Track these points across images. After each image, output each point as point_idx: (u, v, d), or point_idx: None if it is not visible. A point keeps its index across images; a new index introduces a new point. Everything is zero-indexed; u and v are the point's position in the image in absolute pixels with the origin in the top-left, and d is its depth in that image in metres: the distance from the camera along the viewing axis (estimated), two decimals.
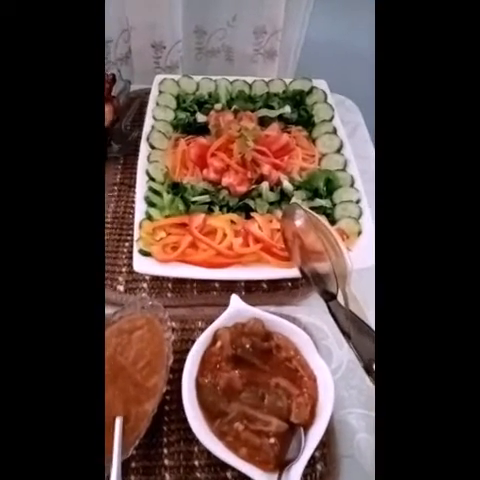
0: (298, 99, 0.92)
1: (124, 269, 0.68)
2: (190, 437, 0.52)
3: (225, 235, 0.67)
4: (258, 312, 0.58)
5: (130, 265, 0.66)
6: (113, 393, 0.51)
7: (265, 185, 0.75)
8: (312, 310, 0.65)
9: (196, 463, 0.52)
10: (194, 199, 0.71)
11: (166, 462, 0.52)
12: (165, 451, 0.52)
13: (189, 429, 0.49)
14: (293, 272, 0.65)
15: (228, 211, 0.72)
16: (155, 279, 0.67)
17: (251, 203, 0.72)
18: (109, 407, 0.50)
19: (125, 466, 0.49)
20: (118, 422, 0.49)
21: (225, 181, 0.74)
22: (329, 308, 0.56)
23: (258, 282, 0.68)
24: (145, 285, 0.67)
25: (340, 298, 0.56)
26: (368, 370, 0.51)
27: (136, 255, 0.64)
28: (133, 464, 0.51)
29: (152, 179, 0.74)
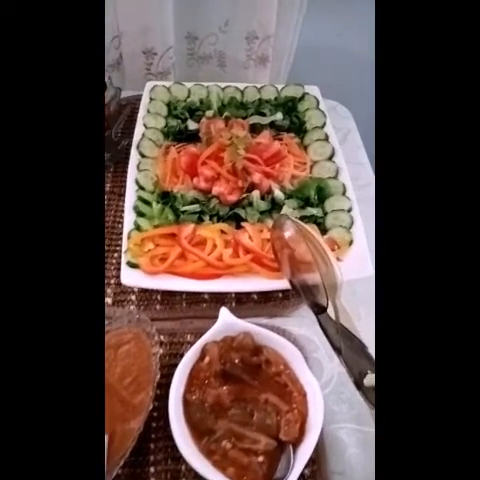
0: (290, 105, 0.92)
1: (112, 281, 0.67)
2: (177, 455, 0.50)
3: (215, 246, 0.66)
4: (247, 325, 0.57)
5: (118, 277, 0.65)
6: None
7: (256, 194, 0.74)
8: (303, 321, 0.64)
9: None
10: (184, 208, 0.70)
11: None
12: (152, 470, 0.51)
13: (177, 447, 0.48)
14: (284, 283, 0.64)
15: (218, 220, 0.71)
16: (144, 291, 0.66)
17: (242, 212, 0.71)
18: None
19: None
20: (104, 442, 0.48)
21: (216, 190, 0.73)
22: (319, 321, 0.55)
23: (249, 293, 0.67)
24: (133, 297, 0.66)
25: (330, 311, 0.55)
26: (358, 385, 0.50)
27: (124, 267, 0.63)
28: None
29: (142, 188, 0.73)
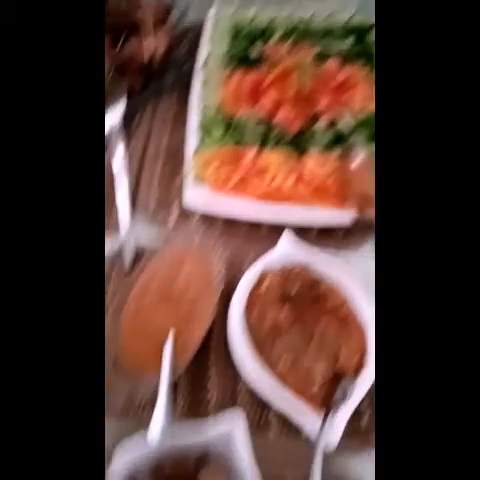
0: (360, 34, 0.86)
1: (175, 204, 0.68)
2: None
3: (277, 174, 0.65)
4: (308, 253, 0.56)
5: (181, 200, 0.66)
6: (165, 312, 0.53)
7: (321, 122, 0.71)
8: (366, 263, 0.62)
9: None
10: (246, 134, 0.69)
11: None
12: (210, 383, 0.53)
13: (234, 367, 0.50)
14: (347, 217, 0.62)
15: (281, 149, 0.69)
16: (205, 214, 0.66)
17: (306, 141, 0.69)
18: (160, 325, 0.51)
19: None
20: (171, 335, 0.49)
21: (279, 117, 0.71)
22: None
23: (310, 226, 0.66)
24: (195, 221, 0.66)
25: None
26: None
27: (187, 189, 0.63)
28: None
29: (205, 113, 0.72)
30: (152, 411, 0.45)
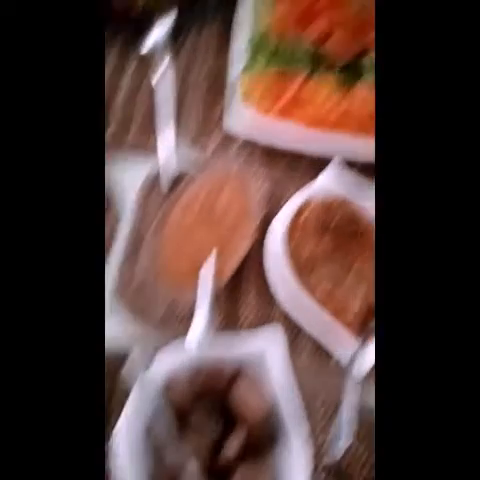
0: None
1: (215, 131, 0.66)
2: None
3: (324, 102, 0.62)
4: (351, 187, 0.55)
5: (220, 127, 0.65)
6: (204, 234, 0.54)
7: (372, 57, 0.67)
8: None
9: None
10: (294, 60, 0.66)
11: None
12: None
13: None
14: None
15: (330, 77, 0.65)
16: (246, 142, 0.64)
17: (356, 73, 0.65)
18: (199, 246, 0.52)
19: None
20: (213, 255, 0.48)
21: (329, 45, 0.67)
22: None
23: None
24: (235, 148, 0.65)
25: None
26: None
27: (230, 111, 0.62)
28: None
29: (251, 36, 0.68)
30: (190, 323, 0.46)
